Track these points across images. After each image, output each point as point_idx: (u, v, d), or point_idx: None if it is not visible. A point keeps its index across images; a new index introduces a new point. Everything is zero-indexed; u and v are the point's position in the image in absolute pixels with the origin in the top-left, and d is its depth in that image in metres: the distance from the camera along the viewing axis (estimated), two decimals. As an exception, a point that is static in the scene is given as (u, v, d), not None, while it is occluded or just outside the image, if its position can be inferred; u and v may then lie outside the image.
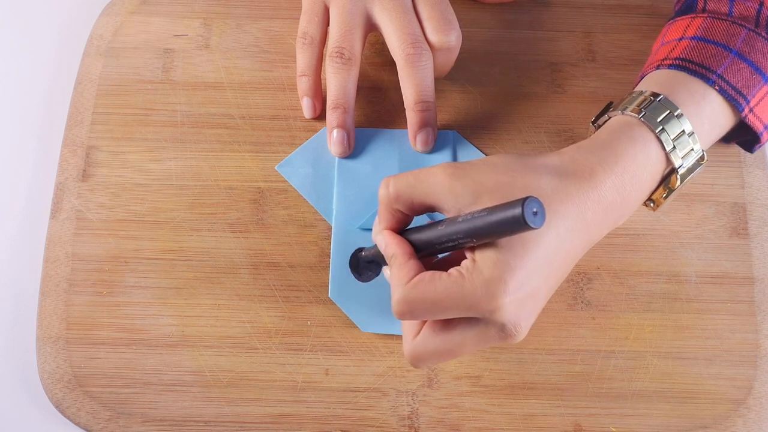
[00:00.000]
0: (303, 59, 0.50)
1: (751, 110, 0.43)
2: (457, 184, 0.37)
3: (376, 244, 0.42)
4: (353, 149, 0.50)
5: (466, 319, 0.37)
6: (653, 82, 0.43)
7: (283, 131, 0.51)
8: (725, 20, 0.44)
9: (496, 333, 0.36)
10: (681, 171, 0.41)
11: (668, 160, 0.41)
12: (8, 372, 0.47)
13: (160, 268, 0.48)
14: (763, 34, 0.43)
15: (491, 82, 0.53)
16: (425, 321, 0.39)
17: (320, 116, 0.51)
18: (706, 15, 0.45)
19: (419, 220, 0.41)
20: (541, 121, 0.52)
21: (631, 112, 0.41)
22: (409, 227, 0.41)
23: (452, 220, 0.36)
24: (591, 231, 0.39)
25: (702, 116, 0.42)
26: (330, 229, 0.48)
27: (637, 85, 0.45)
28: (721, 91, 0.42)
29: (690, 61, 0.43)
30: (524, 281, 0.36)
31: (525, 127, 0.52)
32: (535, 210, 0.32)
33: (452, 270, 0.36)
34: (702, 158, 0.42)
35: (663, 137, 0.40)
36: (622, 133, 0.41)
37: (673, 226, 0.49)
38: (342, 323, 0.46)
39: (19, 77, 0.55)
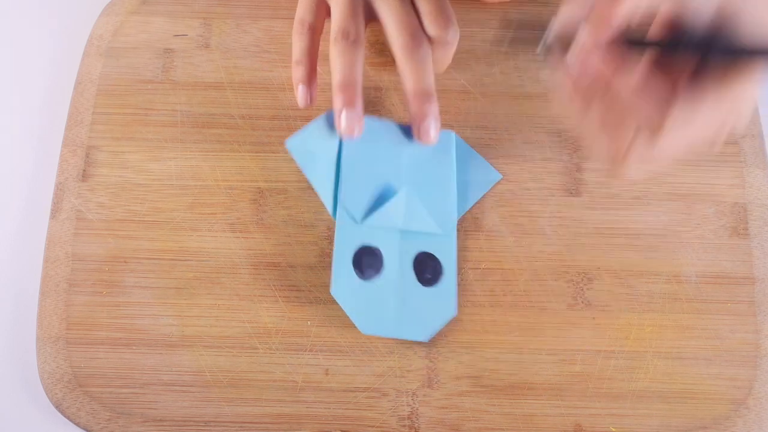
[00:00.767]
0: (299, 46, 0.49)
1: None
2: None
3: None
4: (362, 131, 0.47)
5: None
6: None
7: (283, 131, 0.51)
8: None
9: None
10: None
11: None
12: (8, 372, 0.47)
13: (159, 268, 0.48)
14: None
15: (491, 82, 0.53)
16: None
17: (318, 114, 0.51)
18: None
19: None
20: (542, 121, 0.52)
21: None
22: None
23: None
24: None
25: None
26: (330, 228, 0.48)
27: None
28: None
29: None
30: None
31: (525, 127, 0.52)
32: None
33: None
34: None
35: None
36: None
37: (673, 226, 0.49)
38: (342, 323, 0.46)
39: (19, 77, 0.55)
